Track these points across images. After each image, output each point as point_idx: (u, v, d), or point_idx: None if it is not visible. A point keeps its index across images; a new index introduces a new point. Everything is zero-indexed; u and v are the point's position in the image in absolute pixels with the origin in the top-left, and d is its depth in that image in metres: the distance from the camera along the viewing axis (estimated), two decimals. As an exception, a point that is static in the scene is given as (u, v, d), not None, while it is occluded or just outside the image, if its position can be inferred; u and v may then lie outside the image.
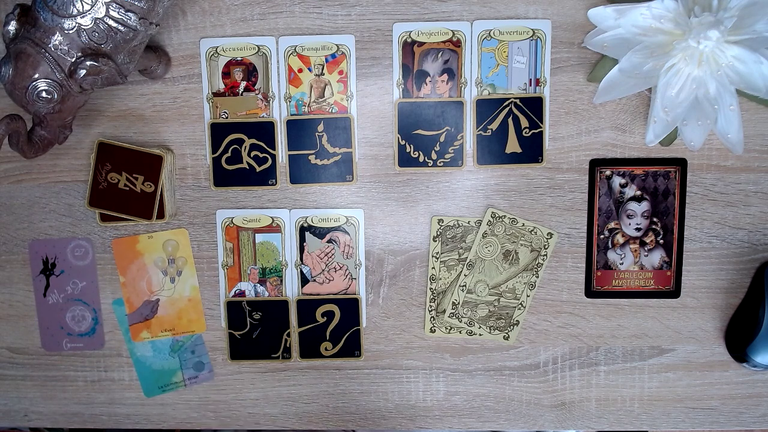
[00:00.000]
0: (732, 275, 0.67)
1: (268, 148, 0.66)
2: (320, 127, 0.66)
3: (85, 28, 0.52)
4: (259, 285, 0.68)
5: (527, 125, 0.65)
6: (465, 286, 0.67)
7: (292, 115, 0.66)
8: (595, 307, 0.68)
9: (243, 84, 0.66)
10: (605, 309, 0.68)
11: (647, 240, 0.66)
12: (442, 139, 0.66)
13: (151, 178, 0.65)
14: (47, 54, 0.53)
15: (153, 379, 0.70)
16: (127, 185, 0.65)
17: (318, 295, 0.68)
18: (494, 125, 0.65)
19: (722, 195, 0.66)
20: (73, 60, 0.53)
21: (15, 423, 0.72)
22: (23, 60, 0.53)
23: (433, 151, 0.66)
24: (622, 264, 0.67)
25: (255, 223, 0.67)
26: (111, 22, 0.53)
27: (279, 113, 0.66)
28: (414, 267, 0.68)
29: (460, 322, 0.68)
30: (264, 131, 0.66)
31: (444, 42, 0.64)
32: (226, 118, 0.66)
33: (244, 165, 0.67)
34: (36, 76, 0.53)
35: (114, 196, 0.65)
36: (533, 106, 0.65)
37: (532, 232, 0.67)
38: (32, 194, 0.68)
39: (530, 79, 0.65)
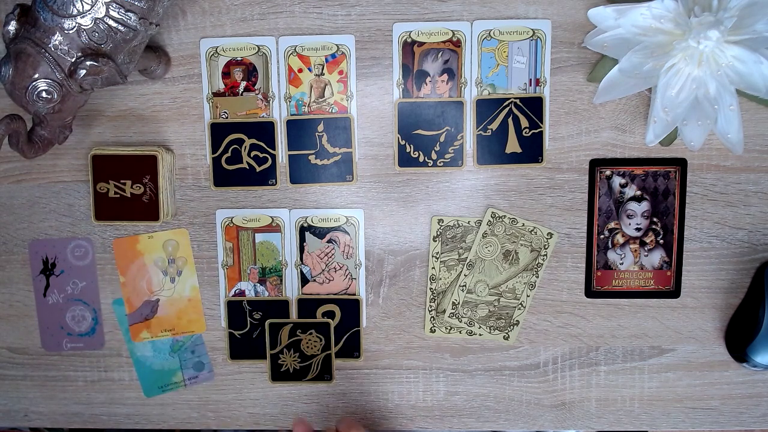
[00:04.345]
0: (732, 275, 0.67)
1: (268, 148, 0.66)
2: (320, 127, 0.66)
3: (85, 28, 0.52)
4: (259, 285, 0.68)
5: (527, 125, 0.65)
6: (465, 286, 0.67)
7: (292, 115, 0.66)
8: (595, 307, 0.68)
9: (243, 84, 0.66)
10: (605, 309, 0.68)
11: (647, 240, 0.66)
12: (442, 139, 0.66)
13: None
14: (47, 54, 0.53)
15: (153, 379, 0.70)
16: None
17: (318, 295, 0.68)
18: (494, 125, 0.65)
19: (722, 195, 0.66)
20: (73, 60, 0.53)
21: (15, 423, 0.72)
22: (23, 60, 0.53)
23: (433, 151, 0.66)
24: (622, 264, 0.67)
25: (255, 223, 0.67)
26: (111, 22, 0.53)
27: (279, 113, 0.66)
28: (414, 267, 0.68)
29: (460, 322, 0.68)
30: (264, 131, 0.66)
31: (444, 42, 0.64)
32: (226, 118, 0.66)
33: (244, 165, 0.67)
34: (36, 76, 0.53)
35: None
36: (533, 106, 0.65)
37: (532, 232, 0.67)
38: (32, 194, 0.68)
39: (530, 79, 0.65)
